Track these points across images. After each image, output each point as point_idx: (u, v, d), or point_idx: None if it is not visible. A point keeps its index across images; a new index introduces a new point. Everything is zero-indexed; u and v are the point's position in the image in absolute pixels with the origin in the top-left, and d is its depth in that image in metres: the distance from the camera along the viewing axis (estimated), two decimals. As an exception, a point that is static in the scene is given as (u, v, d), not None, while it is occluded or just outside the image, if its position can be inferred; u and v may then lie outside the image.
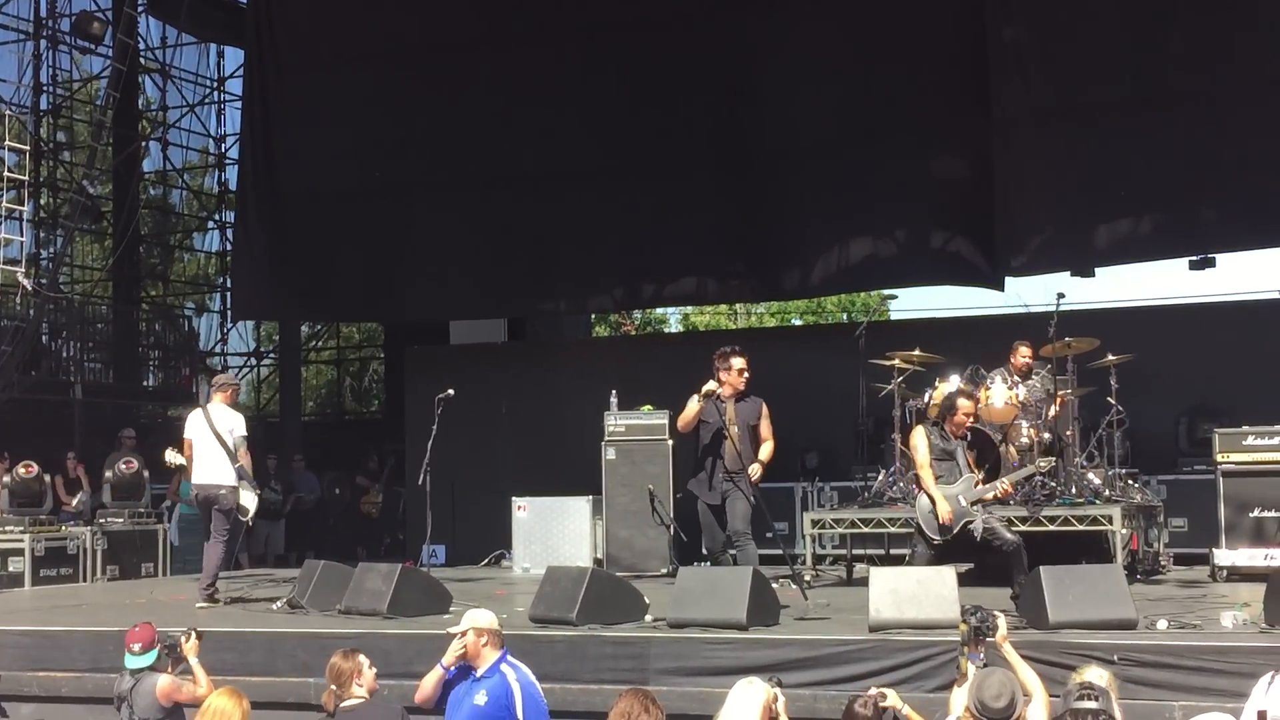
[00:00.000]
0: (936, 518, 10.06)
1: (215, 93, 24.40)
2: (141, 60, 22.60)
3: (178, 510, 17.18)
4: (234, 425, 12.03)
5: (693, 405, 10.94)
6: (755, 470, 10.85)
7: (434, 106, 16.78)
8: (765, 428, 11.01)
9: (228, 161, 24.01)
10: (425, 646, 9.37)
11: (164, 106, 24.46)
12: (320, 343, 27.25)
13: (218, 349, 24.90)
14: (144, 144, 23.88)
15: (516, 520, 15.27)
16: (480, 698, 7.47)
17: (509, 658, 7.74)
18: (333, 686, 7.40)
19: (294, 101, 17.52)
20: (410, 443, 16.33)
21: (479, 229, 16.69)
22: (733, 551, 10.93)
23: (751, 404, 10.98)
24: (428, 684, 7.81)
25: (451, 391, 12.49)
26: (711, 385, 10.80)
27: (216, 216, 24.82)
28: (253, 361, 26.06)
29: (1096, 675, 6.89)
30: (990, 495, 10.25)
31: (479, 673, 7.59)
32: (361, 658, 7.47)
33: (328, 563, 11.87)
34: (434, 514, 12.32)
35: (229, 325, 24.56)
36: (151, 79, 24.16)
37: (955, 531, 10.03)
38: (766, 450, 10.98)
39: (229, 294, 23.42)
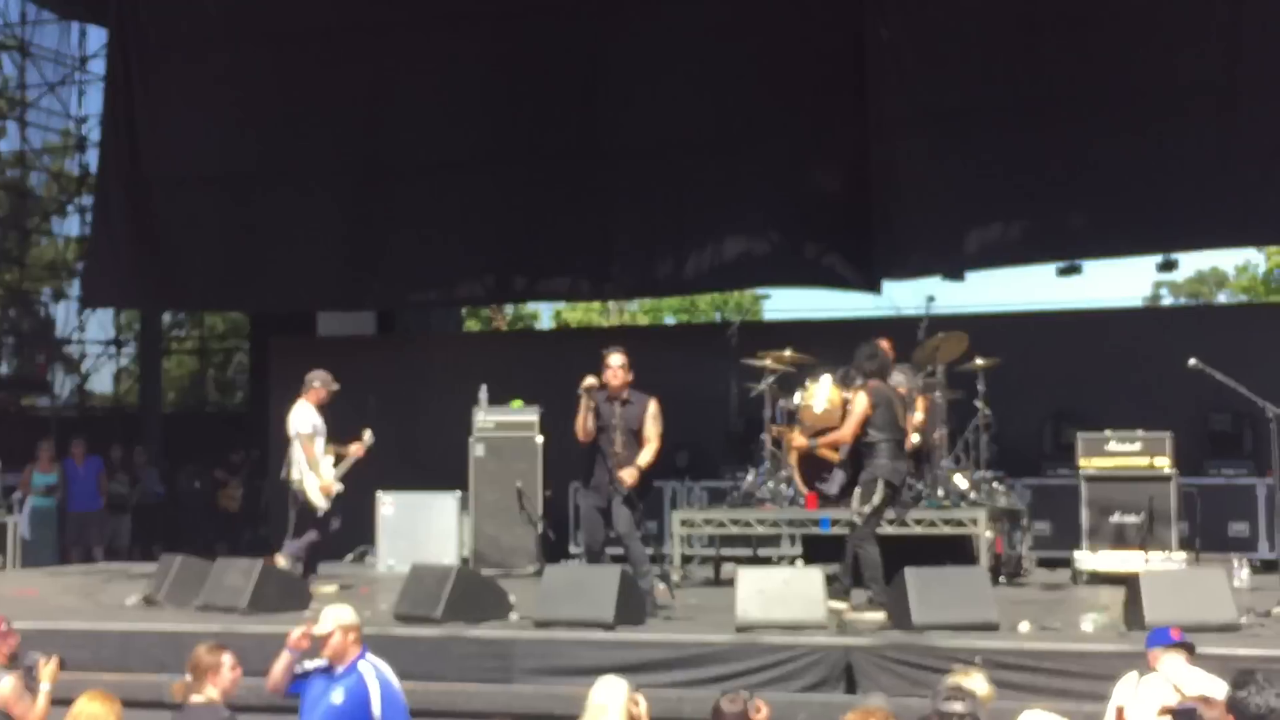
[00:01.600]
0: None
1: (77, 72, 23.82)
2: (-1, 37, 22.07)
3: (29, 502, 16.79)
4: (292, 422, 12.35)
5: (584, 408, 10.62)
6: (629, 476, 10.52)
7: (303, 93, 16.53)
8: (650, 428, 10.66)
9: (89, 144, 23.47)
10: (283, 644, 9.28)
11: (23, 85, 23.77)
12: (183, 332, 26.80)
13: (75, 336, 24.33)
14: (1, 124, 23.27)
15: (382, 516, 15.14)
16: (337, 696, 7.37)
17: (367, 655, 7.67)
18: (187, 677, 7.23)
19: (158, 84, 17.16)
20: (274, 436, 16.11)
21: (347, 217, 16.52)
22: (620, 550, 10.92)
23: (637, 406, 10.68)
24: (276, 671, 7.66)
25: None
26: (590, 380, 10.66)
27: (76, 200, 24.24)
28: (112, 350, 25.51)
29: (977, 683, 6.96)
30: None
31: (336, 671, 7.51)
32: (226, 657, 7.23)
33: (185, 557, 11.72)
34: (297, 509, 12.21)
35: (88, 312, 23.99)
36: (9, 56, 23.54)
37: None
38: (645, 455, 10.62)
39: (81, 280, 22.84)
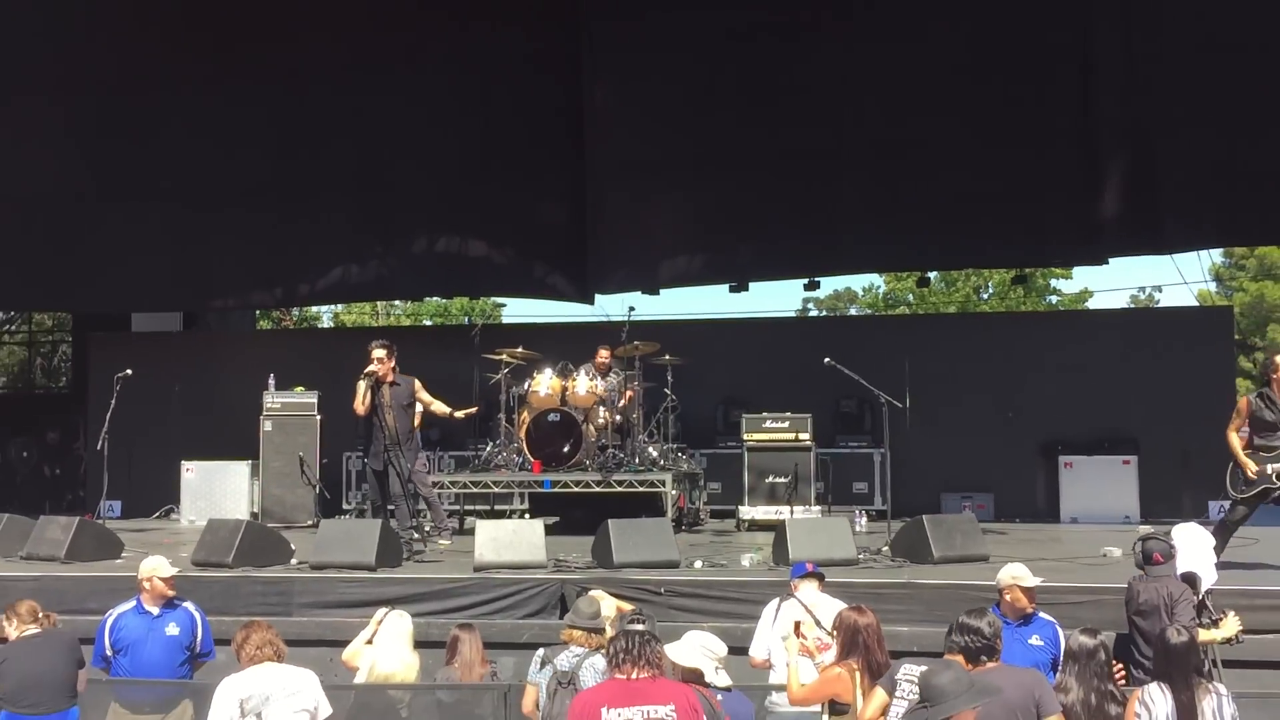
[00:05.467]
0: (1241, 477, 8.87)
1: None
2: None
3: None
4: None
5: (359, 390, 10.69)
6: (466, 412, 11.35)
7: (121, 128, 15.62)
8: (424, 397, 10.95)
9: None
10: (96, 587, 9.03)
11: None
12: (14, 326, 25.32)
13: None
14: None
15: (185, 480, 14.72)
16: (172, 628, 7.33)
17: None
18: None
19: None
20: (92, 414, 15.36)
21: (158, 233, 15.68)
22: (390, 507, 10.83)
23: (404, 387, 10.84)
24: None
25: (130, 371, 11.95)
26: (372, 367, 10.65)
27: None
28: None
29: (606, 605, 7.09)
30: None
31: (157, 609, 7.37)
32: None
33: (11, 515, 11.12)
34: (110, 474, 11.70)
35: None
36: None
37: (1253, 493, 8.81)
38: (443, 406, 11.13)
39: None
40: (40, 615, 7.09)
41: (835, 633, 6.32)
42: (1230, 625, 6.61)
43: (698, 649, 5.77)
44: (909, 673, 5.69)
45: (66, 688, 6.73)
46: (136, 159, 15.53)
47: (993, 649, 5.63)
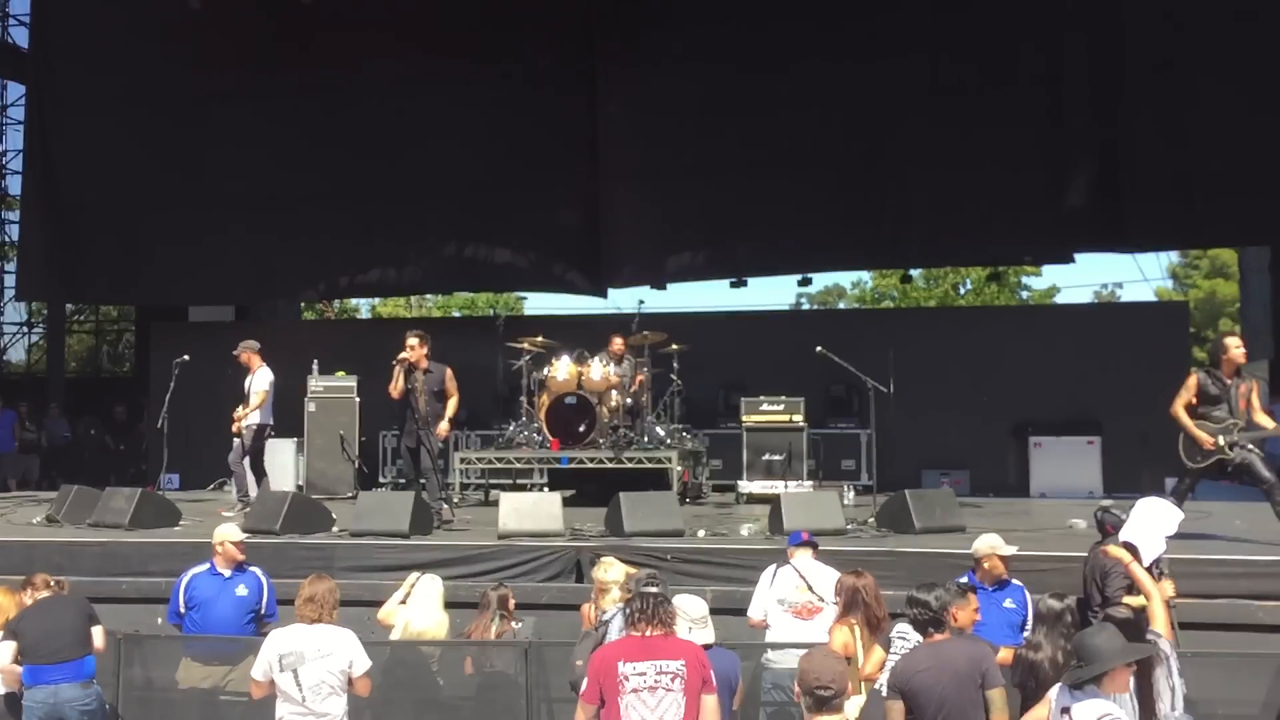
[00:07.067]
0: (1197, 448, 8.60)
1: (-1, 116, 22.17)
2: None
3: None
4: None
5: (394, 375, 10.64)
6: (443, 429, 10.71)
7: (183, 140, 15.65)
8: (450, 387, 10.78)
9: (8, 173, 21.85)
10: (157, 551, 9.02)
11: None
12: (83, 316, 25.35)
13: (-6, 319, 22.65)
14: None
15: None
16: (241, 590, 7.31)
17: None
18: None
19: (71, 128, 16.02)
20: (153, 396, 15.38)
21: (217, 236, 15.75)
22: (423, 480, 10.80)
23: (436, 374, 10.72)
24: None
25: (186, 357, 11.97)
26: (404, 354, 10.60)
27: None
28: (25, 329, 23.96)
29: (616, 569, 7.07)
30: (1248, 439, 8.52)
31: (229, 571, 7.36)
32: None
33: (80, 487, 11.12)
34: (170, 450, 11.73)
35: (4, 301, 22.43)
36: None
37: (1208, 462, 8.62)
38: (451, 406, 10.79)
39: (15, 277, 21.17)
40: (53, 583, 7.10)
41: (838, 597, 6.37)
42: (1165, 590, 6.52)
43: None
44: (902, 631, 5.72)
45: (80, 639, 6.70)
46: (200, 171, 15.60)
47: (939, 622, 5.36)
